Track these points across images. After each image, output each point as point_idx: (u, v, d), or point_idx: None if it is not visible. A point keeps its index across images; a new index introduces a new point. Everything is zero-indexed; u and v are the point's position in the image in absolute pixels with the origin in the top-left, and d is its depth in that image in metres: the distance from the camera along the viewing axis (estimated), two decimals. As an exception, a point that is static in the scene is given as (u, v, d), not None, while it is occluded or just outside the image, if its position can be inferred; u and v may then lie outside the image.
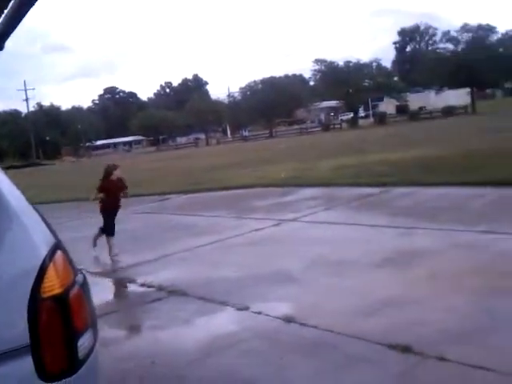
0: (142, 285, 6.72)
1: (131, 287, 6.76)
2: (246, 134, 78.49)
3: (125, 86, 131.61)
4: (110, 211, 8.65)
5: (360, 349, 4.23)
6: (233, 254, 7.85)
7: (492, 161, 12.99)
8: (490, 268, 5.74)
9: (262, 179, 15.80)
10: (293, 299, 5.65)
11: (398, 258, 6.55)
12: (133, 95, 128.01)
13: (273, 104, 67.24)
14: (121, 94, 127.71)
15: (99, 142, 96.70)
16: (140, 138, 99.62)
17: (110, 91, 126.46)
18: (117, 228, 8.60)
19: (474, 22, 68.52)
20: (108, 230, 8.61)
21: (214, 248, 8.32)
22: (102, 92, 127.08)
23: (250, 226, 9.57)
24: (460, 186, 10.74)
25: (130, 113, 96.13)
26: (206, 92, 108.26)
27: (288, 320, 4.96)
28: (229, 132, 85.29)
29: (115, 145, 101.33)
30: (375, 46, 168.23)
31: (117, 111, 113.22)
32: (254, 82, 75.97)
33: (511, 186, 9.86)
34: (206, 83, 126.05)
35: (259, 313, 5.28)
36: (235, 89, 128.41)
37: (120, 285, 6.90)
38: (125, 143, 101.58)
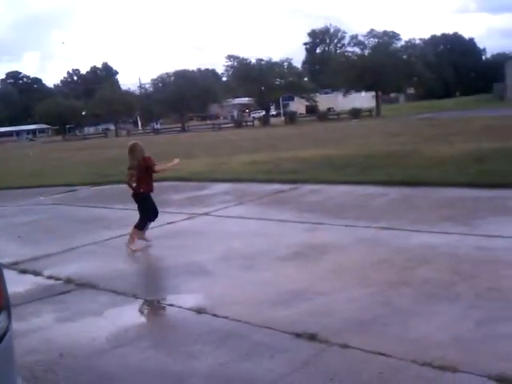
0: (50, 277, 6.54)
1: (38, 279, 6.56)
2: (157, 126, 77.34)
3: (29, 72, 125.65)
4: (149, 193, 7.86)
5: (268, 338, 4.41)
6: (147, 247, 7.81)
7: (394, 161, 13.76)
8: (389, 262, 6.14)
9: (175, 173, 15.69)
10: (205, 291, 5.75)
11: (306, 251, 6.83)
12: (38, 81, 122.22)
13: (185, 97, 66.75)
14: (24, 79, 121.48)
15: (0, 130, 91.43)
16: (45, 126, 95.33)
17: (13, 76, 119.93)
18: (25, 219, 8.26)
19: (379, 28, 71.65)
20: (153, 213, 7.92)
21: (125, 241, 8.23)
22: (3, 76, 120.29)
23: (162, 219, 9.51)
24: (364, 184, 11.30)
25: (34, 100, 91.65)
26: (116, 81, 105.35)
27: (199, 311, 5.06)
28: (140, 124, 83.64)
29: (18, 133, 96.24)
30: (286, 45, 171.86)
31: (20, 98, 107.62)
32: (167, 74, 74.99)
33: (410, 186, 10.54)
34: (116, 72, 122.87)
35: (171, 305, 5.34)
36: (146, 80, 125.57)
37: (26, 277, 6.66)
38: (28, 131, 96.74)
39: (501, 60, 79.37)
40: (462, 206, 8.74)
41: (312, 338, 4.23)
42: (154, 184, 7.92)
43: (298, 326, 4.47)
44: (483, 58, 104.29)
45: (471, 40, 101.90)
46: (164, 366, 4.12)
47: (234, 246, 7.45)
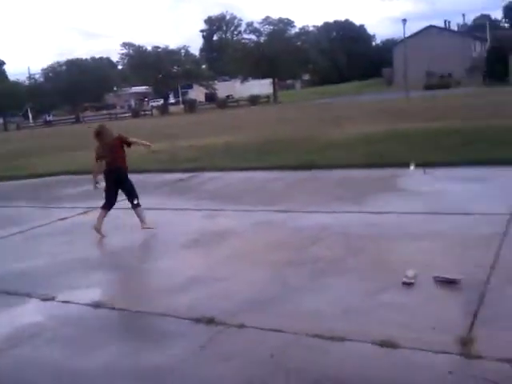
0: None
1: None
2: (49, 118, 73.69)
3: None
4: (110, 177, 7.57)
5: (169, 325, 4.44)
6: (38, 245, 7.53)
7: (290, 146, 14.15)
8: (285, 243, 6.35)
9: (68, 166, 15.15)
10: (102, 285, 5.67)
11: (205, 238, 6.90)
12: None
13: (79, 87, 64.27)
14: None
15: None
16: None
17: None
18: None
19: (274, 15, 72.98)
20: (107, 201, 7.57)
21: (17, 239, 7.90)
22: None
23: (55, 215, 9.22)
24: (263, 169, 11.54)
25: None
26: (4, 73, 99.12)
27: (96, 305, 4.99)
28: (30, 116, 79.36)
29: None
30: (183, 32, 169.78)
31: None
32: (58, 63, 71.67)
33: (306, 169, 10.91)
34: (3, 63, 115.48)
35: (67, 301, 5.21)
36: (37, 70, 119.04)
37: None
38: None
39: (389, 46, 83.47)
40: (353, 186, 9.18)
41: (210, 321, 4.32)
42: (38, 179, 7.63)
43: (196, 311, 4.54)
44: (373, 44, 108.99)
45: (362, 26, 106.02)
46: (62, 362, 4.03)
47: (131, 237, 7.37)
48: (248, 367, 3.64)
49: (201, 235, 7.06)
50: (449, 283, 4.56)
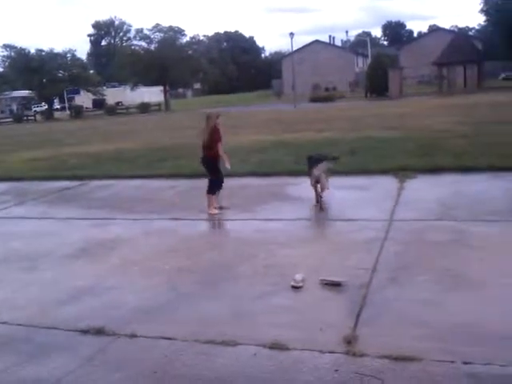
0: None
1: None
2: None
3: None
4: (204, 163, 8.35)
5: (53, 338, 4.27)
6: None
7: (182, 154, 14.08)
8: (177, 250, 6.32)
9: None
10: (-20, 298, 5.30)
11: (94, 248, 6.69)
12: None
13: (-47, 90, 59.71)
14: None
15: None
16: None
17: None
18: None
19: (164, 23, 72.44)
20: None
21: None
22: None
23: None
24: (154, 177, 11.38)
25: None
26: None
27: (-25, 319, 4.67)
28: None
29: None
30: (69, 36, 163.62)
31: None
32: None
33: (197, 177, 10.86)
34: None
35: None
36: None
37: None
38: None
39: (278, 58, 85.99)
40: (244, 193, 9.32)
41: (99, 332, 4.21)
42: None
43: (84, 322, 4.40)
44: (262, 56, 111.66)
45: (251, 38, 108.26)
46: None
47: (13, 247, 6.98)
48: (140, 376, 3.58)
49: (88, 244, 6.83)
50: (334, 285, 4.78)
